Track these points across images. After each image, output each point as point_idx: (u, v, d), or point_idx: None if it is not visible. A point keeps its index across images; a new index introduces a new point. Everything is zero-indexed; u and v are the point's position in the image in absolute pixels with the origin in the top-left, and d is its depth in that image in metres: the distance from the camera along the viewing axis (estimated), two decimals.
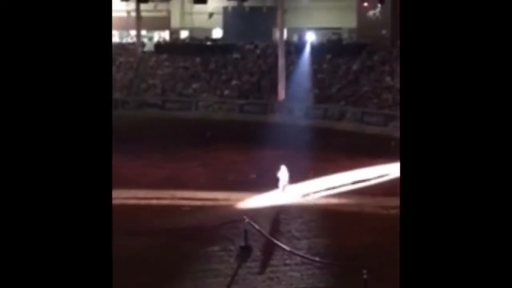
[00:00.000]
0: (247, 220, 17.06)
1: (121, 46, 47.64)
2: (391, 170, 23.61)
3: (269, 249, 16.94)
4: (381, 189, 22.63)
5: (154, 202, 21.33)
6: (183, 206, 20.96)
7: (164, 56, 45.72)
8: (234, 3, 45.54)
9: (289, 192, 21.73)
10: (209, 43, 48.13)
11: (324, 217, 19.75)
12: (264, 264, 16.22)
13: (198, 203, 21.23)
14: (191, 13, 50.82)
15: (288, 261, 16.19)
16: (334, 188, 22.92)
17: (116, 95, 42.20)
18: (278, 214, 20.26)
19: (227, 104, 40.72)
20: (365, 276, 13.73)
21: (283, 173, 21.50)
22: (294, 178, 21.91)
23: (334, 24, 47.39)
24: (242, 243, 16.87)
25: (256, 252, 16.74)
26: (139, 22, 46.10)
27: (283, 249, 16.71)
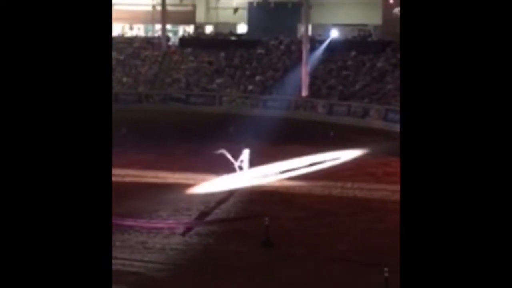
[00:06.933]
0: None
1: (146, 40, 47.91)
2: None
3: None
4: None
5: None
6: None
7: (189, 50, 45.89)
8: None
9: (249, 174, 23.30)
10: (233, 38, 48.18)
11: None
12: None
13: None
14: (216, 8, 50.97)
15: None
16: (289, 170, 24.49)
17: (140, 89, 42.51)
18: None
19: (250, 99, 40.75)
20: (386, 274, 13.61)
21: (245, 156, 23.11)
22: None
23: (360, 20, 47.22)
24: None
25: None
26: (164, 16, 46.29)
27: None
